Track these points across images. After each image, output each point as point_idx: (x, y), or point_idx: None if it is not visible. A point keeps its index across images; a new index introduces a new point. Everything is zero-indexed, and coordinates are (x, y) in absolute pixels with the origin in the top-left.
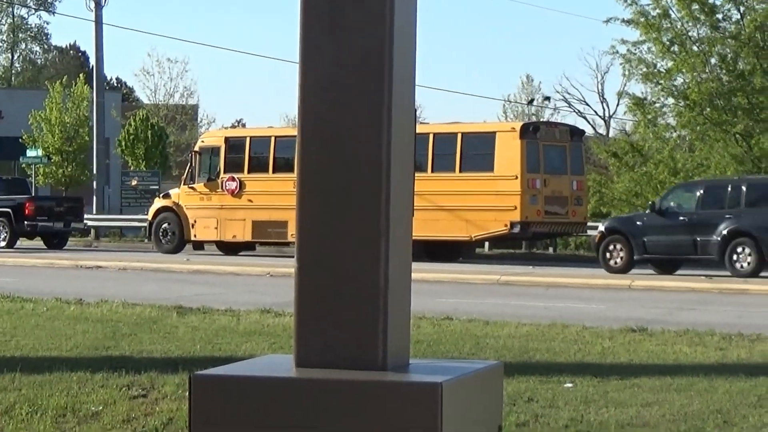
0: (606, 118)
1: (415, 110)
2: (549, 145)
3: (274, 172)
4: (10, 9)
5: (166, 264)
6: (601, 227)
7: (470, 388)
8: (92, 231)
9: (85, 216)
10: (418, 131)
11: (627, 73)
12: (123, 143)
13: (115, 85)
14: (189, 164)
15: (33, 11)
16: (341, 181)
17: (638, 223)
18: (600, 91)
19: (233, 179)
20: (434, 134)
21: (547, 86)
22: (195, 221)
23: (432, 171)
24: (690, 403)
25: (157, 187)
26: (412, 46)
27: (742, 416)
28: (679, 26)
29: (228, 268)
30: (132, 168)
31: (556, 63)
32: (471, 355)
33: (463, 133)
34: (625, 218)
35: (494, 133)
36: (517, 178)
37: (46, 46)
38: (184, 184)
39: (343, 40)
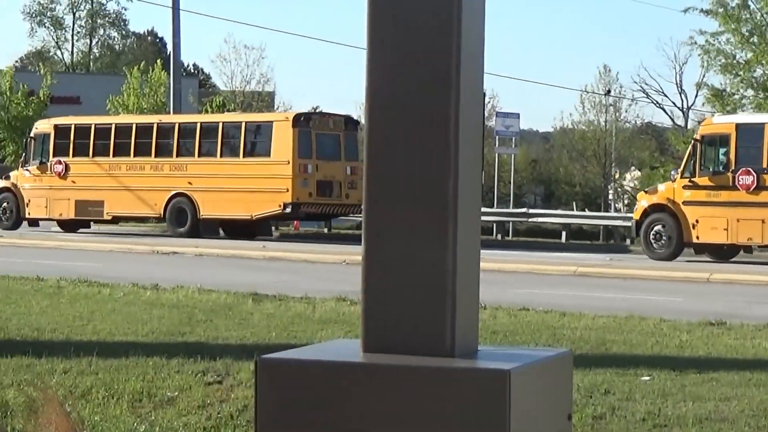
0: (684, 110)
1: (484, 97)
2: (322, 133)
3: (93, 155)
4: None
5: (241, 251)
6: None
7: (539, 376)
8: None
9: None
10: (211, 120)
11: (705, 64)
12: None
13: (192, 71)
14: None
15: None
16: (408, 167)
17: None
18: (678, 82)
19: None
20: (223, 122)
21: (625, 77)
22: (29, 200)
23: (221, 156)
24: None
25: None
26: (480, 57)
27: None
28: (758, 17)
29: (303, 255)
30: None
31: (634, 53)
32: (547, 346)
33: (246, 122)
34: None
35: (272, 122)
36: (289, 162)
37: (123, 32)
38: (22, 167)
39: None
